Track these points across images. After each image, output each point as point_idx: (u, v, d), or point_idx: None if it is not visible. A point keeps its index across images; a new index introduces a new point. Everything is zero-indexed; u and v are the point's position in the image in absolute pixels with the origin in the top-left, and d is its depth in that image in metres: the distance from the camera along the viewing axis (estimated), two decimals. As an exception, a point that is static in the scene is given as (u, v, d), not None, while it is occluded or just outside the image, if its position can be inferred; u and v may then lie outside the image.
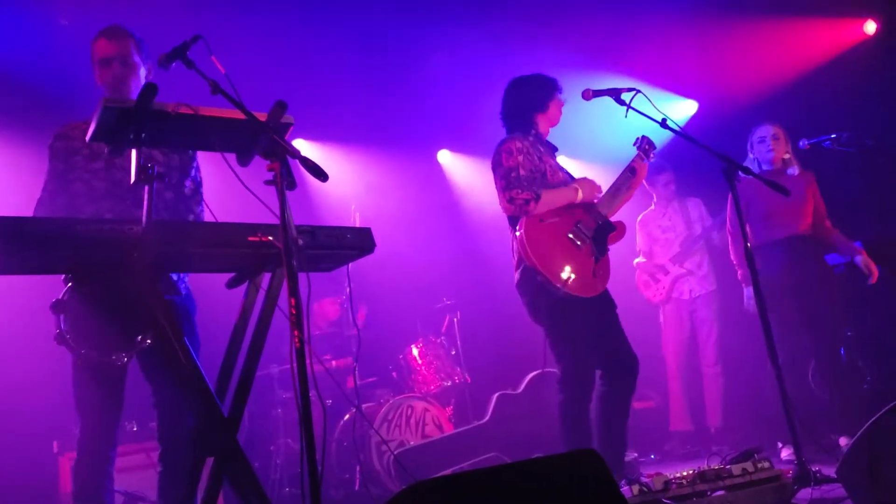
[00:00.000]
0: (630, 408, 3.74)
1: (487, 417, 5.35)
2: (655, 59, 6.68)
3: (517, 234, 3.71)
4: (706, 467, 3.20)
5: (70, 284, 2.47)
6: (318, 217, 6.90)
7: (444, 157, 7.96)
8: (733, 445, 4.86)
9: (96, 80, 3.16)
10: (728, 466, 3.22)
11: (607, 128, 5.95)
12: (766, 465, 3.24)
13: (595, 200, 3.87)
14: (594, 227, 3.79)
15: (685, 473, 3.17)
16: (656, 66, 6.73)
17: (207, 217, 3.13)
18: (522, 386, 5.49)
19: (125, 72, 3.10)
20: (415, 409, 5.45)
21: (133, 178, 2.28)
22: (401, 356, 6.00)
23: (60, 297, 2.50)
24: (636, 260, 6.23)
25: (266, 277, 2.62)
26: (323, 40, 6.12)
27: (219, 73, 2.37)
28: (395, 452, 5.01)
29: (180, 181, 3.17)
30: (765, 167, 4.91)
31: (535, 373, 5.49)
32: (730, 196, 5.03)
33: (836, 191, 5.22)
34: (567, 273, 3.63)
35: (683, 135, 3.74)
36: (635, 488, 3.09)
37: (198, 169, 3.27)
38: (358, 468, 5.11)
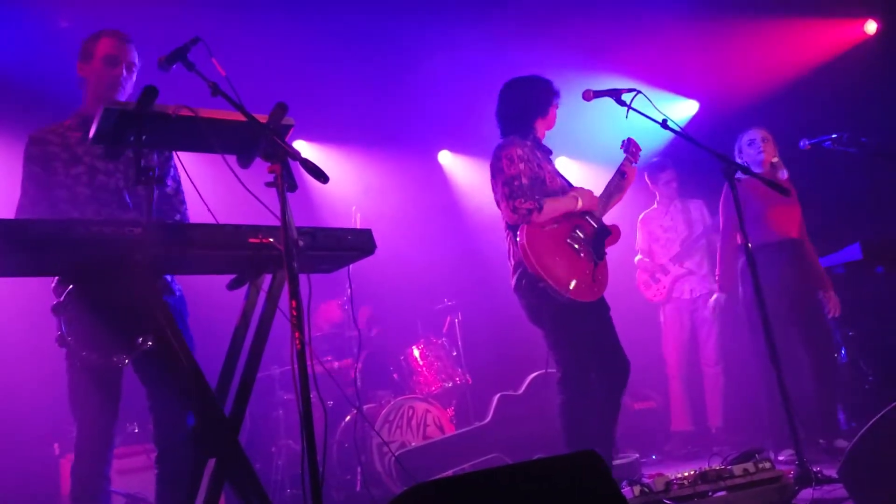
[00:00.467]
0: (619, 408, 3.75)
1: (489, 418, 5.35)
2: (656, 59, 6.68)
3: (517, 240, 3.72)
4: (707, 468, 3.20)
5: (70, 287, 2.47)
6: (318, 218, 6.90)
7: (445, 157, 7.96)
8: (734, 446, 4.86)
9: (87, 75, 3.12)
10: (729, 467, 3.22)
11: (608, 128, 5.95)
12: (768, 465, 3.24)
13: (594, 208, 3.89)
14: (591, 232, 3.82)
15: (686, 474, 3.17)
16: (657, 66, 6.73)
17: (208, 219, 3.13)
18: (523, 387, 5.49)
19: (128, 76, 3.11)
20: (416, 410, 5.45)
21: (135, 180, 2.28)
22: (402, 357, 6.00)
23: (61, 299, 2.50)
24: (636, 258, 6.23)
25: (267, 279, 2.62)
26: (323, 42, 6.12)
27: (219, 75, 2.38)
28: (397, 454, 5.01)
29: (161, 180, 3.17)
30: (756, 170, 4.91)
31: (536, 374, 5.49)
32: (722, 197, 5.06)
33: (837, 191, 5.22)
34: (569, 279, 3.66)
35: (684, 135, 3.75)
36: (636, 489, 3.10)
37: (176, 168, 3.26)
38: (359, 469, 5.11)
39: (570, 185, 3.95)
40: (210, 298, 3.38)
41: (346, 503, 5.26)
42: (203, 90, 2.39)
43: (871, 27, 6.67)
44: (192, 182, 2.91)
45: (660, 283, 6.08)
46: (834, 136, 4.74)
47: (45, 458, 4.71)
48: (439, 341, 6.05)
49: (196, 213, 3.22)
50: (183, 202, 3.25)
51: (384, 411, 5.31)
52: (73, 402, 2.95)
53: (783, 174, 4.95)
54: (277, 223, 2.26)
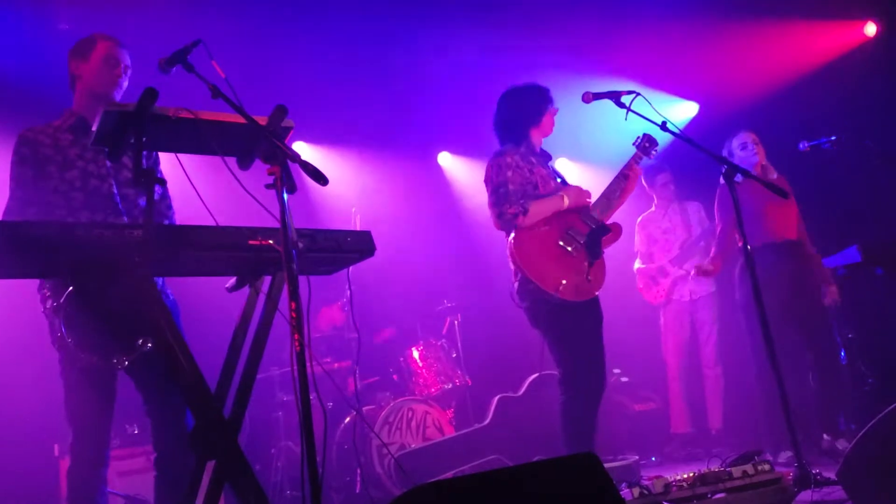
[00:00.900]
0: (593, 421, 3.76)
1: (488, 420, 5.35)
2: (656, 61, 6.69)
3: (508, 245, 3.80)
4: (706, 470, 3.20)
5: (70, 288, 2.47)
6: (318, 220, 6.90)
7: (445, 159, 7.96)
8: (734, 448, 4.86)
9: (83, 74, 3.12)
10: (728, 469, 3.22)
11: (608, 130, 5.96)
12: (767, 467, 3.24)
13: (586, 204, 3.89)
14: (587, 231, 3.84)
15: (685, 476, 3.17)
16: (657, 68, 6.73)
17: (207, 221, 3.14)
18: (523, 388, 5.49)
19: (124, 78, 3.14)
20: (415, 411, 5.45)
21: (133, 182, 2.28)
22: (401, 359, 6.00)
23: (61, 301, 2.50)
24: (636, 265, 6.23)
25: (266, 281, 2.63)
26: (323, 44, 6.12)
27: (219, 77, 2.38)
28: (396, 455, 5.01)
29: (162, 182, 3.17)
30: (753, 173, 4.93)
31: (535, 375, 5.49)
32: (716, 199, 5.07)
33: (836, 193, 5.23)
34: (558, 279, 3.70)
35: (683, 137, 3.75)
36: (635, 491, 3.10)
37: (161, 172, 3.26)
38: (359, 471, 5.11)
39: (565, 185, 3.97)
40: (209, 300, 3.39)
41: (346, 505, 5.27)
42: (203, 92, 2.39)
43: (870, 29, 6.67)
44: (191, 184, 2.92)
45: (659, 286, 6.08)
46: (833, 137, 4.75)
47: (45, 459, 4.70)
48: (439, 343, 6.05)
49: (196, 214, 3.22)
50: (170, 207, 3.25)
51: (384, 413, 5.31)
52: (69, 405, 2.95)
53: (773, 177, 4.96)
54: (277, 225, 2.26)
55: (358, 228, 5.35)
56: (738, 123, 5.29)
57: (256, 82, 4.17)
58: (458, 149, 7.83)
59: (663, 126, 3.67)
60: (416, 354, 5.93)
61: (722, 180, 3.82)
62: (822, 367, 4.78)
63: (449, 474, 4.96)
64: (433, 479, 2.82)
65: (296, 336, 2.15)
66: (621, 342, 5.69)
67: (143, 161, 3.10)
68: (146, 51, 3.19)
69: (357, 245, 2.62)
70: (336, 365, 5.86)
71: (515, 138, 3.98)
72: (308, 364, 2.16)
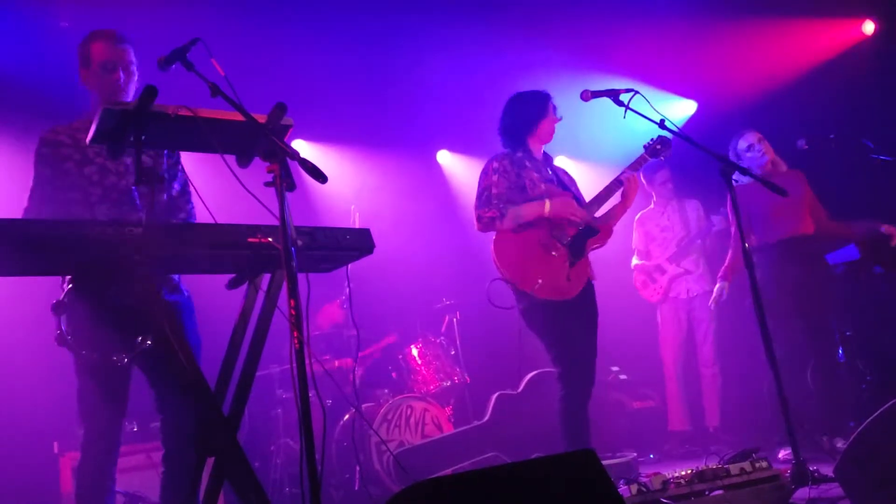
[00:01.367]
0: (587, 416, 3.81)
1: (487, 417, 5.36)
2: (654, 59, 6.69)
3: (491, 246, 3.90)
4: (704, 467, 3.21)
5: (70, 286, 2.48)
6: (317, 218, 6.90)
7: (444, 157, 7.96)
8: (731, 445, 4.87)
9: (88, 81, 3.10)
10: (726, 466, 3.23)
11: (606, 129, 5.97)
12: (764, 464, 3.24)
13: (572, 217, 3.91)
14: (573, 233, 3.88)
15: (683, 473, 3.17)
16: (655, 66, 6.74)
17: (207, 218, 3.14)
18: (522, 386, 5.50)
19: (125, 78, 3.06)
20: (414, 409, 5.46)
21: (135, 180, 2.29)
22: (400, 356, 6.00)
23: (61, 298, 2.51)
24: (633, 262, 6.24)
25: (266, 278, 2.63)
26: (322, 42, 6.12)
27: (218, 75, 2.38)
28: (395, 452, 5.02)
29: (169, 183, 3.18)
30: (759, 173, 4.92)
31: (534, 373, 5.50)
32: (728, 200, 5.06)
33: (834, 190, 5.23)
34: (535, 279, 3.78)
35: (682, 136, 3.76)
36: (633, 488, 3.10)
37: (183, 169, 3.27)
38: (357, 468, 5.12)
39: (561, 189, 4.01)
40: (209, 298, 3.39)
41: (345, 502, 5.27)
42: (202, 90, 2.39)
43: (868, 27, 6.68)
44: (191, 182, 2.92)
45: (657, 283, 6.09)
46: (831, 136, 4.75)
47: (45, 457, 4.71)
48: (438, 340, 6.06)
49: (196, 212, 3.24)
50: (189, 202, 3.25)
51: (383, 410, 5.32)
52: (81, 402, 2.96)
53: (784, 169, 4.95)
54: (276, 223, 2.27)
55: (357, 226, 5.37)
56: (736, 122, 5.31)
57: (255, 80, 4.16)
58: (457, 147, 7.83)
59: (661, 124, 3.68)
60: (414, 352, 5.94)
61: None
62: (823, 368, 4.78)
63: (448, 471, 4.97)
64: (432, 476, 2.83)
65: (295, 333, 2.15)
66: (619, 340, 5.70)
67: (165, 159, 3.14)
68: (145, 48, 3.19)
69: (356, 243, 2.62)
70: (336, 363, 5.86)
71: (513, 144, 4.08)
72: (307, 362, 2.16)
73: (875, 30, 6.66)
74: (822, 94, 6.41)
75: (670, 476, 3.16)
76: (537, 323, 3.93)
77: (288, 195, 2.28)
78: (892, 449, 2.77)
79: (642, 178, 6.14)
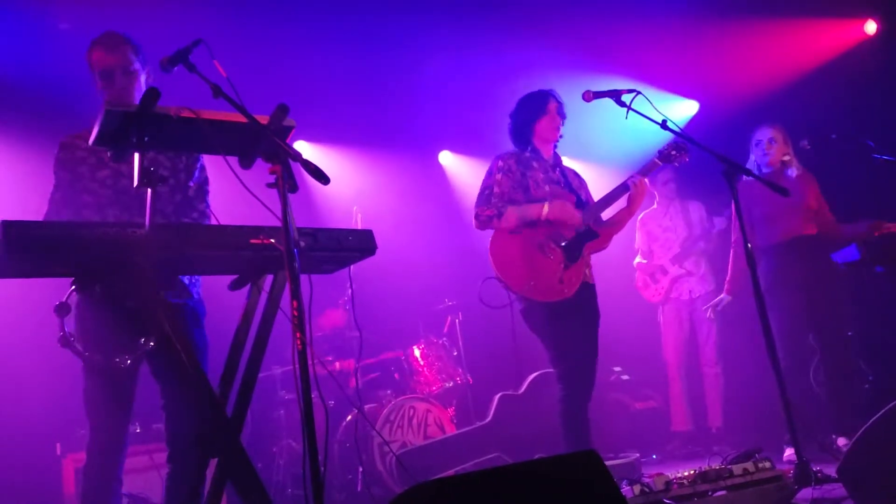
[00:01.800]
0: (587, 416, 3.81)
1: (489, 418, 5.36)
2: (656, 59, 6.69)
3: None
4: (707, 467, 3.21)
5: (74, 287, 2.48)
6: (319, 219, 6.90)
7: (446, 158, 7.97)
8: (734, 445, 4.87)
9: (97, 89, 3.11)
10: (729, 466, 3.23)
11: (609, 130, 5.96)
12: (767, 465, 3.25)
13: (567, 222, 3.92)
14: (571, 235, 3.89)
15: (686, 474, 3.18)
16: (657, 66, 6.73)
17: (210, 220, 3.15)
18: (524, 386, 5.50)
19: (127, 82, 3.05)
20: (417, 410, 5.45)
21: (136, 182, 2.29)
22: (403, 357, 6.00)
23: (64, 299, 2.51)
24: (635, 260, 6.24)
25: (268, 279, 2.63)
26: (324, 43, 6.13)
27: (221, 76, 2.38)
28: (398, 453, 5.02)
29: (185, 183, 3.18)
30: (764, 170, 4.92)
31: (536, 373, 5.50)
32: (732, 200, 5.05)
33: (837, 191, 5.22)
34: (527, 280, 3.81)
35: (684, 136, 3.76)
36: (636, 488, 3.10)
37: (202, 168, 3.27)
38: (360, 469, 5.12)
39: (566, 191, 4.00)
40: (212, 299, 3.39)
41: (348, 503, 5.27)
42: (205, 91, 2.39)
43: (870, 27, 6.67)
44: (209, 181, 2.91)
45: (658, 284, 6.09)
46: (834, 136, 4.74)
47: (48, 459, 4.71)
48: (440, 341, 6.06)
49: (210, 212, 3.23)
50: (203, 201, 3.25)
51: (385, 411, 5.31)
52: (88, 403, 2.96)
53: (792, 172, 4.92)
54: (279, 224, 2.27)
55: (359, 227, 5.37)
56: (738, 122, 5.29)
57: (258, 81, 4.16)
58: (459, 147, 7.84)
59: (663, 125, 3.67)
60: (417, 353, 5.94)
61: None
62: (833, 368, 4.77)
63: (450, 472, 4.97)
64: (435, 477, 2.83)
65: (298, 335, 2.15)
66: (621, 341, 5.70)
67: (183, 159, 3.14)
68: (145, 50, 3.19)
69: (358, 244, 2.62)
70: (338, 364, 5.86)
71: (520, 144, 4.11)
72: (310, 363, 2.16)
73: (877, 30, 6.65)
74: (824, 94, 6.40)
75: (673, 476, 3.17)
76: (536, 324, 3.95)
77: (290, 196, 2.28)
78: (896, 449, 2.77)
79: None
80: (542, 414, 5.11)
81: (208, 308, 3.25)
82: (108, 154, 2.97)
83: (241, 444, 2.43)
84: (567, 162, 4.26)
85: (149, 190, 2.30)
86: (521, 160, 4.01)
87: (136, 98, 3.05)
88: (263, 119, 2.39)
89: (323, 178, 2.25)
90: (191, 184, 3.20)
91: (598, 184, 4.36)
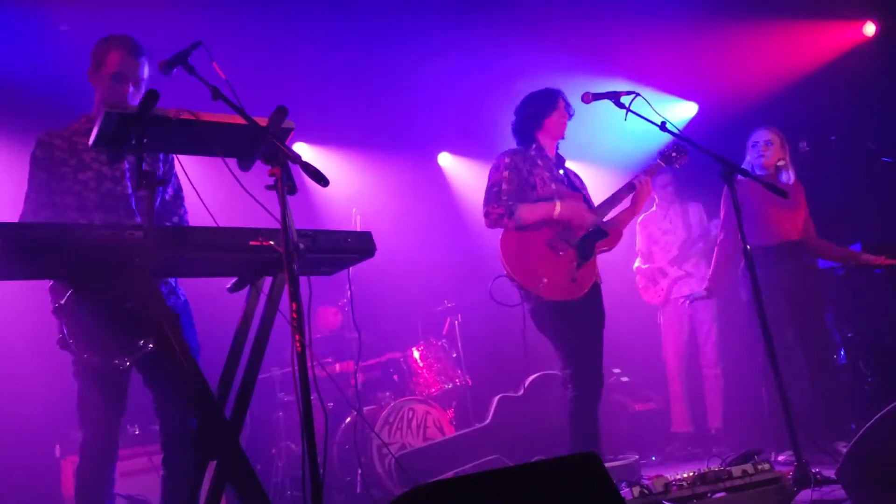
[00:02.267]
0: (597, 417, 3.81)
1: (488, 420, 5.36)
2: (655, 61, 6.69)
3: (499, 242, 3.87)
4: (706, 469, 3.20)
5: (72, 290, 2.48)
6: (319, 221, 6.90)
7: (445, 159, 7.97)
8: (734, 447, 4.87)
9: (97, 83, 3.09)
10: (728, 468, 3.22)
11: (607, 131, 5.96)
12: (767, 466, 3.24)
13: (578, 222, 3.91)
14: (582, 234, 3.86)
15: (686, 475, 3.17)
16: (656, 68, 6.74)
17: (208, 222, 3.14)
18: (523, 388, 5.49)
19: (136, 91, 3.06)
20: (416, 411, 5.45)
21: (136, 184, 2.29)
22: (402, 359, 6.00)
23: (62, 302, 2.51)
24: (635, 264, 6.25)
25: (267, 281, 2.63)
26: (324, 45, 6.13)
27: (220, 78, 2.39)
28: (397, 455, 5.02)
29: (164, 188, 3.19)
30: (758, 172, 4.92)
31: (535, 375, 5.50)
32: (723, 199, 5.06)
33: (835, 192, 5.23)
34: (539, 278, 3.77)
35: (683, 138, 3.76)
36: (636, 490, 3.10)
37: (176, 176, 3.28)
38: (359, 471, 5.12)
39: (571, 191, 4.00)
40: (210, 301, 3.40)
41: (347, 505, 5.28)
42: (204, 94, 2.39)
43: (869, 29, 6.67)
44: (192, 185, 2.92)
45: (658, 286, 6.09)
46: (833, 137, 4.75)
47: (47, 460, 4.71)
48: (439, 343, 6.05)
49: (197, 215, 3.23)
50: (181, 206, 3.27)
51: (384, 413, 5.31)
52: (81, 406, 2.96)
53: (788, 176, 4.93)
54: (278, 226, 2.27)
55: (358, 229, 5.37)
56: (737, 124, 5.29)
57: (257, 83, 4.17)
58: (458, 149, 7.84)
59: (662, 126, 3.68)
60: (416, 354, 5.94)
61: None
62: (815, 368, 4.78)
63: (449, 474, 4.96)
64: (434, 479, 2.82)
65: (297, 336, 2.15)
66: (621, 342, 5.69)
67: (161, 164, 3.15)
68: (147, 53, 3.19)
69: (357, 245, 2.62)
70: (338, 366, 5.86)
71: (525, 141, 4.08)
72: (309, 365, 2.16)
73: (876, 31, 6.65)
74: (824, 95, 6.41)
75: (672, 478, 3.16)
76: (545, 324, 3.91)
77: (289, 198, 2.28)
78: (895, 450, 2.77)
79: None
80: (541, 415, 5.12)
81: (208, 309, 3.26)
82: (91, 155, 2.99)
83: (240, 445, 2.43)
84: (566, 163, 4.26)
85: (148, 192, 2.30)
86: (527, 157, 3.99)
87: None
88: (262, 121, 2.40)
89: (322, 180, 2.26)
90: (168, 189, 3.20)
91: (597, 186, 4.36)
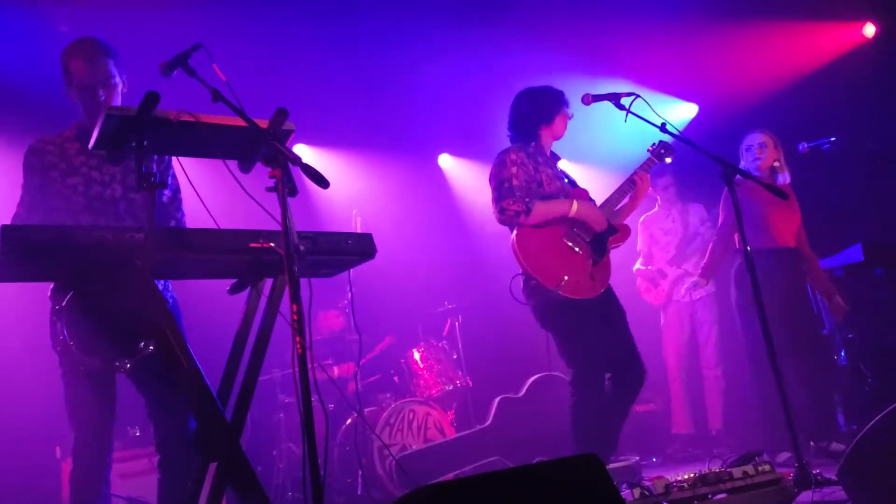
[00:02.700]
0: (628, 413, 3.78)
1: (489, 421, 5.35)
2: (655, 62, 6.69)
3: (512, 240, 3.80)
4: (707, 470, 3.20)
5: (72, 292, 2.48)
6: (319, 222, 6.91)
7: (445, 161, 7.97)
8: (734, 448, 4.86)
9: (72, 96, 3.07)
10: (729, 469, 3.22)
11: (608, 132, 5.97)
12: (767, 467, 3.24)
13: (593, 225, 3.90)
14: (594, 232, 3.84)
15: (686, 476, 3.17)
16: (656, 69, 6.74)
17: (208, 223, 3.14)
18: (524, 389, 5.49)
19: (109, 93, 3.03)
20: (416, 413, 5.45)
21: (137, 186, 2.29)
22: (402, 360, 6.00)
23: (63, 304, 2.51)
24: (635, 266, 6.25)
25: (268, 283, 2.63)
26: (324, 46, 6.13)
27: (220, 80, 2.38)
28: (397, 457, 5.02)
29: (160, 190, 3.18)
30: (753, 175, 4.92)
31: (536, 376, 5.50)
32: (722, 200, 5.07)
33: (835, 194, 5.23)
34: (560, 276, 3.71)
35: (683, 139, 3.76)
36: (636, 492, 3.10)
37: (174, 176, 3.27)
38: (360, 473, 5.12)
39: (574, 187, 3.99)
40: (210, 303, 3.40)
41: (347, 506, 5.28)
42: (204, 95, 2.40)
43: (869, 30, 6.68)
44: (192, 187, 2.93)
45: (659, 287, 6.10)
46: (833, 139, 4.75)
47: (47, 462, 4.71)
48: (440, 344, 6.05)
49: (197, 217, 3.23)
50: (179, 209, 3.26)
51: (385, 414, 5.31)
52: (70, 408, 2.95)
53: (784, 177, 4.94)
54: (278, 228, 2.26)
55: (359, 231, 5.37)
56: (738, 125, 5.29)
57: (257, 85, 4.17)
58: (459, 150, 7.84)
59: (662, 128, 3.68)
60: (416, 356, 5.94)
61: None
62: (805, 370, 4.77)
63: (450, 475, 4.97)
64: (435, 481, 2.82)
65: (297, 338, 2.15)
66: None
67: (154, 166, 3.14)
68: (146, 53, 3.18)
69: (358, 247, 2.62)
70: (337, 368, 5.86)
71: (526, 137, 4.02)
72: (309, 366, 2.16)
73: (876, 32, 6.66)
74: (823, 96, 6.41)
75: (673, 479, 3.16)
76: (556, 322, 3.86)
77: (290, 200, 2.28)
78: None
79: (647, 181, 6.16)
80: (542, 417, 5.12)
81: (208, 310, 3.26)
82: (80, 160, 2.99)
83: (240, 447, 2.42)
84: (563, 164, 4.26)
85: (150, 194, 2.30)
86: (530, 154, 3.96)
87: (118, 104, 3.05)
88: (263, 123, 2.40)
89: (322, 182, 2.25)
90: (166, 191, 3.20)
91: (595, 187, 4.35)
